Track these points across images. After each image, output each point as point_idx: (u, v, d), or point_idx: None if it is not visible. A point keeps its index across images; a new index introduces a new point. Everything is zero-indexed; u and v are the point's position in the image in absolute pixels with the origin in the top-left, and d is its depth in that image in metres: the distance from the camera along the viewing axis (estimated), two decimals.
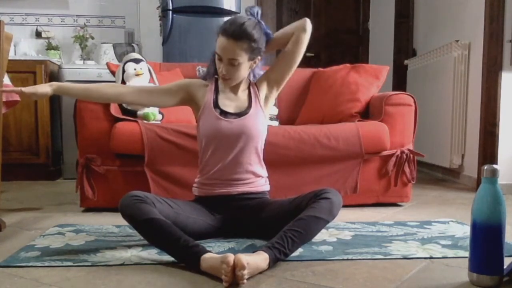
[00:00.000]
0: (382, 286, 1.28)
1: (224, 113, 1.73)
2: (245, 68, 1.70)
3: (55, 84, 1.69)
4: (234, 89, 1.79)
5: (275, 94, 1.85)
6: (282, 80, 1.83)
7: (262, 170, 1.81)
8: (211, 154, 1.74)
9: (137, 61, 2.53)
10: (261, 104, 1.79)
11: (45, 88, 1.63)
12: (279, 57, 1.83)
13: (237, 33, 1.62)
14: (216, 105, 1.75)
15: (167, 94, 1.79)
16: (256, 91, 1.80)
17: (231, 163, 1.72)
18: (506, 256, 1.28)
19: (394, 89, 4.08)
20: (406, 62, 4.14)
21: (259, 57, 1.74)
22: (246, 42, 1.64)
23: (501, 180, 1.50)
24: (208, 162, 1.75)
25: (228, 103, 1.76)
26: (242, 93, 1.80)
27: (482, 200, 1.25)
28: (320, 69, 2.97)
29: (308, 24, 1.78)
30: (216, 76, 1.80)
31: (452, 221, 2.06)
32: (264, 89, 1.82)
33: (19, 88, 1.62)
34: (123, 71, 2.49)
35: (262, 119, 1.79)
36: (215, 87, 1.79)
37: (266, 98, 1.83)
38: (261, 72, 1.87)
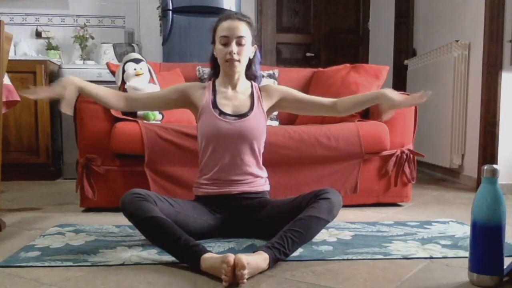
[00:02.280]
0: (382, 286, 1.28)
1: (223, 114, 1.74)
2: (248, 51, 1.76)
3: (77, 83, 1.65)
4: (233, 85, 1.79)
5: (275, 111, 1.92)
6: (285, 110, 1.92)
7: (261, 172, 1.81)
8: (210, 155, 1.74)
9: (137, 61, 2.53)
10: (263, 108, 1.80)
11: (72, 88, 1.61)
12: (307, 98, 1.86)
13: (239, 15, 1.77)
14: (214, 105, 1.75)
15: (167, 97, 1.82)
16: (259, 95, 1.81)
17: (229, 164, 1.72)
18: (506, 256, 1.28)
19: (394, 89, 4.07)
20: (406, 62, 4.14)
21: (256, 46, 1.81)
22: (249, 24, 1.75)
23: (501, 180, 1.50)
24: (208, 162, 1.75)
25: (226, 103, 1.77)
26: (243, 92, 1.80)
27: (482, 200, 1.25)
28: (320, 69, 2.97)
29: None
30: (212, 78, 1.84)
31: (452, 221, 2.06)
32: (273, 100, 1.83)
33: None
34: (123, 71, 2.49)
35: (263, 122, 1.79)
36: (212, 87, 1.80)
37: (269, 109, 1.84)
38: (259, 72, 1.89)
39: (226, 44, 1.70)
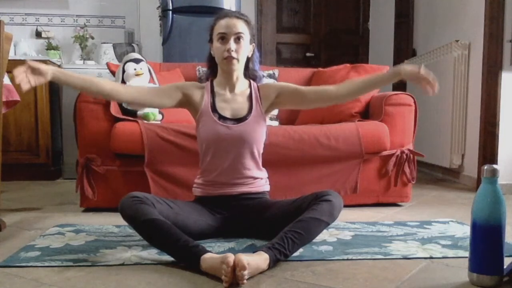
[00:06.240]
0: (382, 286, 1.28)
1: (222, 118, 1.73)
2: (246, 49, 1.74)
3: (55, 68, 1.53)
4: (231, 86, 1.77)
5: (275, 108, 1.87)
6: (285, 106, 1.88)
7: (261, 173, 1.81)
8: (211, 159, 1.74)
9: (137, 61, 2.53)
10: (261, 109, 1.77)
11: (47, 69, 1.48)
12: (306, 89, 1.79)
13: (237, 13, 1.78)
14: (214, 109, 1.74)
15: (164, 94, 1.76)
16: (257, 95, 1.79)
17: (230, 168, 1.72)
18: (506, 256, 1.28)
19: (394, 89, 4.07)
20: (406, 62, 4.13)
21: (254, 44, 1.80)
22: (247, 22, 1.75)
23: (501, 180, 1.50)
24: (208, 166, 1.75)
25: (225, 106, 1.75)
26: (241, 94, 1.78)
27: (482, 200, 1.25)
28: (320, 69, 2.97)
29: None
30: (210, 78, 1.82)
31: (452, 221, 2.06)
32: (271, 97, 1.79)
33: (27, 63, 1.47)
34: (123, 71, 2.49)
35: (262, 124, 1.77)
36: (211, 89, 1.79)
37: (269, 108, 1.81)
38: (260, 72, 1.87)
39: (224, 41, 1.69)
